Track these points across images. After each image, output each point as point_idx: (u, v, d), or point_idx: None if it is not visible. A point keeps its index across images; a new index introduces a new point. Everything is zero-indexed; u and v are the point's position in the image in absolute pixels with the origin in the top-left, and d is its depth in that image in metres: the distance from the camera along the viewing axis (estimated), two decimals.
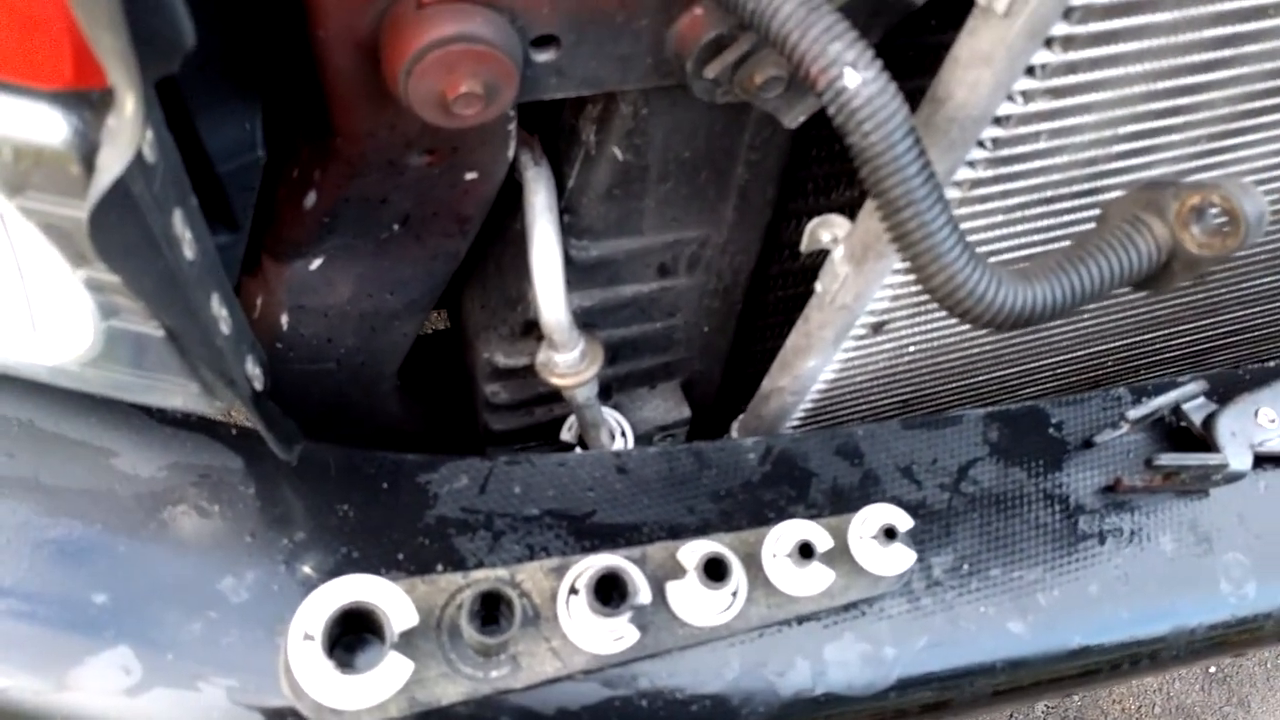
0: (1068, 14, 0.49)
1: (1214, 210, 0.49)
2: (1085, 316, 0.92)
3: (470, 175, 0.67)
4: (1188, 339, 1.05)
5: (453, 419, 0.98)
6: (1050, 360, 0.99)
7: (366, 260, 0.73)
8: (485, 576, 0.64)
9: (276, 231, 0.71)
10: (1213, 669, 2.04)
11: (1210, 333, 1.06)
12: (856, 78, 0.47)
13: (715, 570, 0.65)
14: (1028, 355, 0.96)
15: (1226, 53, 0.57)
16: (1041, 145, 0.61)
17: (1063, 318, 0.52)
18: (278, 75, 0.63)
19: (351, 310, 0.77)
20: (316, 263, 0.73)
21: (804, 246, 0.72)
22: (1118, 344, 1.01)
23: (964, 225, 0.66)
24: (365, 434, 0.91)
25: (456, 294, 0.90)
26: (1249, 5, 0.53)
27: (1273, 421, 0.80)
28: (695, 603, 0.67)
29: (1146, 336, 1.01)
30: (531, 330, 0.81)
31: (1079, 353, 1.00)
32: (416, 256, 0.74)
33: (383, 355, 0.82)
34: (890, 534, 0.70)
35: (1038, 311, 0.51)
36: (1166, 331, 1.02)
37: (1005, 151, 0.60)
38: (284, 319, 0.76)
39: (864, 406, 0.94)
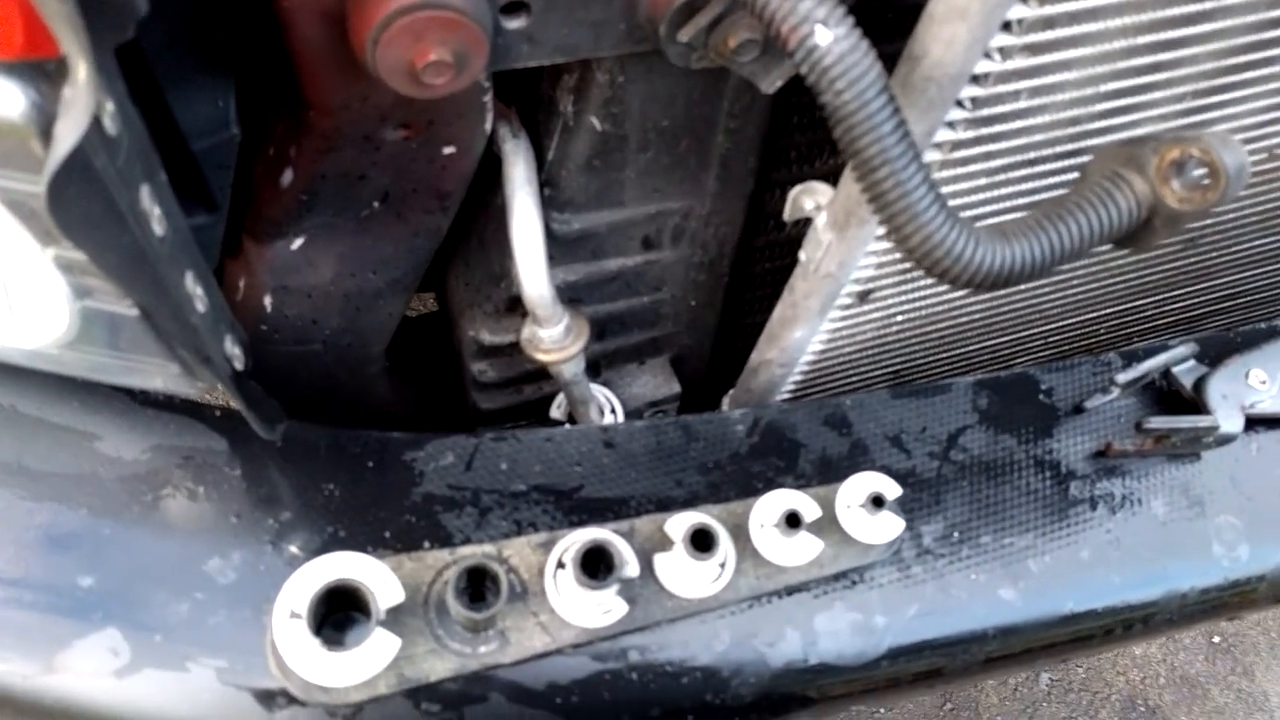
0: None
1: (1194, 164, 0.48)
2: (1076, 281, 0.91)
3: (448, 149, 0.66)
4: (1180, 304, 1.05)
5: (442, 399, 0.98)
6: (1042, 328, 0.99)
7: (348, 239, 0.73)
8: (472, 552, 0.64)
9: (256, 211, 0.71)
10: (1216, 638, 2.05)
11: (1203, 298, 1.05)
12: (828, 35, 0.46)
13: (702, 541, 0.65)
14: (1019, 323, 0.96)
15: (1208, 5, 0.56)
16: (1022, 104, 0.60)
17: (1043, 276, 0.52)
18: (249, 50, 0.62)
19: (335, 290, 0.76)
20: (298, 242, 0.72)
21: (787, 214, 0.71)
22: (1110, 311, 1.00)
23: (946, 188, 0.66)
24: (354, 415, 0.90)
25: (442, 273, 0.89)
26: None
27: (1263, 383, 0.80)
28: (683, 575, 0.67)
29: (1139, 302, 1.01)
30: (516, 306, 0.81)
31: (1071, 320, 0.99)
32: (398, 234, 0.74)
33: (369, 335, 0.82)
34: (878, 502, 0.69)
35: (1017, 270, 0.50)
36: (1159, 297, 1.01)
37: (985, 111, 0.59)
38: (267, 300, 0.75)
39: (854, 377, 0.93)
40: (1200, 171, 0.48)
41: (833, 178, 0.69)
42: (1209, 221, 0.89)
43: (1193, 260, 0.95)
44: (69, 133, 0.37)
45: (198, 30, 0.59)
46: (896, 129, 0.48)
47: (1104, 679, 1.97)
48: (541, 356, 0.77)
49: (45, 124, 0.40)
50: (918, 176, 0.48)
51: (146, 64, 0.56)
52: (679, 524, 0.67)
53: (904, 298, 0.79)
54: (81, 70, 0.35)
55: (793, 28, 0.47)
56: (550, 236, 0.73)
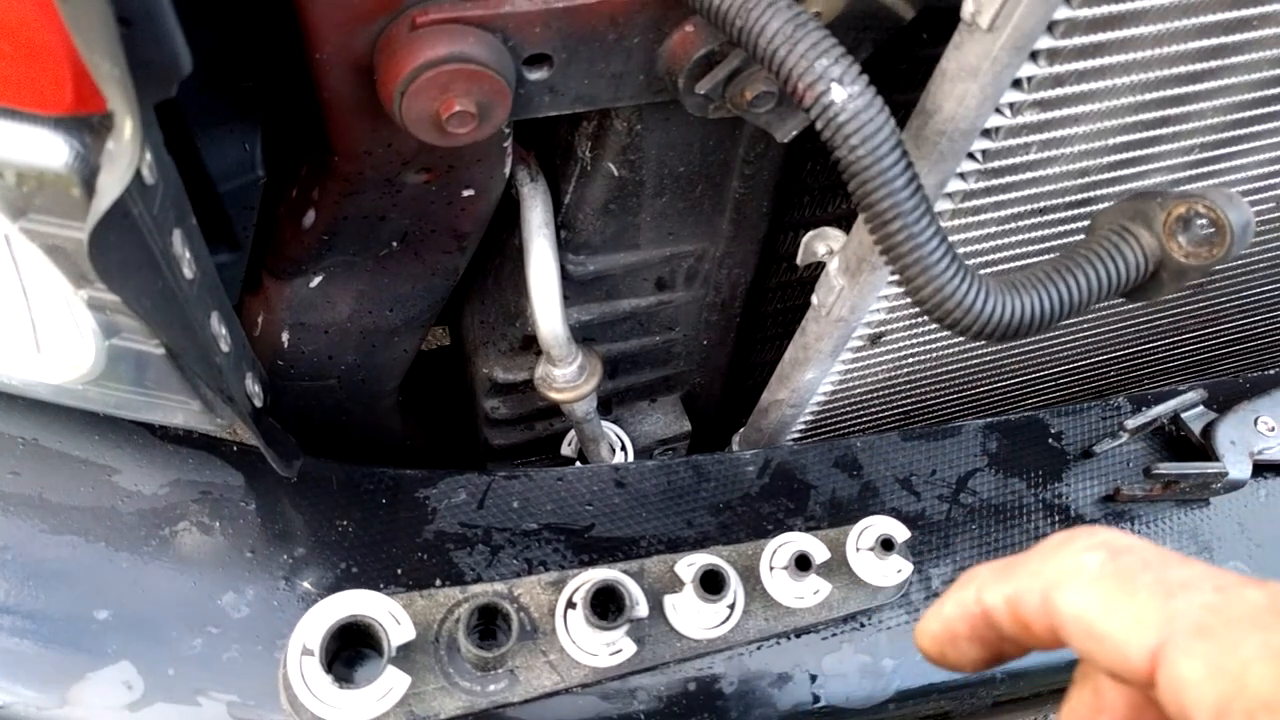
0: (1051, 28, 0.50)
1: (1200, 220, 0.49)
2: (1085, 326, 0.92)
3: (467, 192, 0.68)
4: (1189, 348, 1.05)
5: (454, 434, 0.99)
6: (1052, 370, 0.99)
7: (366, 277, 0.74)
8: (483, 591, 0.65)
9: (277, 250, 0.72)
10: None
11: (1212, 341, 1.05)
12: (843, 93, 0.47)
13: (712, 583, 0.65)
14: (1029, 366, 0.96)
15: (1213, 64, 0.57)
16: (1032, 157, 0.61)
17: (1052, 328, 0.52)
18: (276, 96, 0.64)
19: (352, 327, 0.77)
20: (317, 280, 0.74)
21: (800, 259, 0.72)
22: (1120, 353, 1.01)
23: (958, 236, 0.67)
24: (367, 449, 0.91)
25: (457, 309, 0.91)
26: (1232, 17, 0.53)
27: (1272, 430, 0.80)
28: (693, 615, 0.68)
29: (1148, 346, 1.01)
30: (530, 345, 0.82)
31: (1081, 362, 1.00)
32: (415, 273, 0.75)
33: (383, 371, 0.83)
34: (887, 545, 0.70)
35: (1027, 322, 0.51)
36: (1168, 340, 1.02)
37: (996, 163, 0.60)
38: (285, 336, 0.76)
39: (865, 418, 0.94)
40: (1206, 228, 0.49)
41: (845, 222, 0.70)
42: (1218, 268, 0.89)
43: (1202, 305, 0.96)
44: (112, 186, 0.38)
45: (229, 78, 0.61)
46: (909, 184, 0.49)
47: None
48: (554, 395, 0.78)
49: (87, 174, 0.42)
50: (930, 230, 0.49)
51: (179, 110, 0.58)
52: (689, 565, 0.68)
53: (915, 341, 0.80)
54: (128, 128, 0.36)
55: (809, 85, 0.48)
56: (566, 277, 0.75)
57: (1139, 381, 1.09)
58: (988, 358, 0.90)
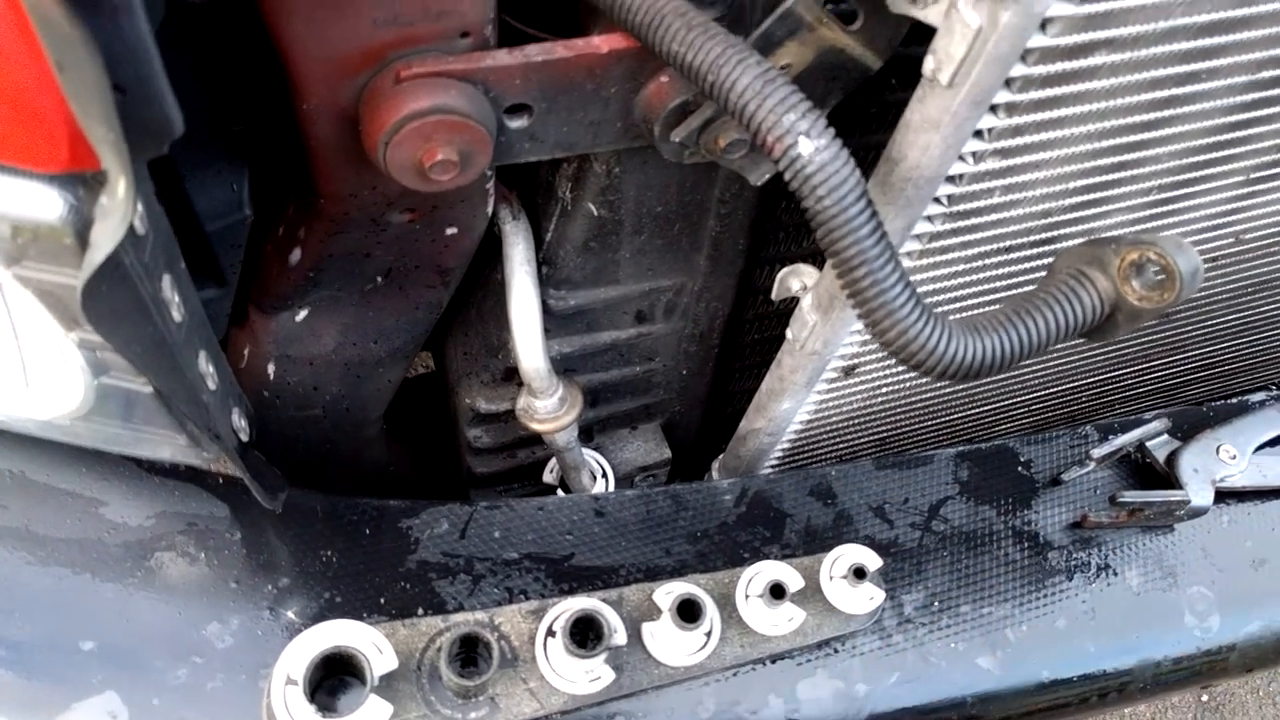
0: (1008, 83, 0.52)
1: (1152, 266, 0.52)
2: (1055, 356, 0.94)
3: (450, 230, 0.70)
4: (1158, 375, 1.08)
5: (439, 461, 1.00)
6: (1024, 398, 1.02)
7: (351, 311, 0.76)
8: (465, 620, 0.66)
9: (263, 285, 0.73)
10: (1205, 697, 2.05)
11: (1180, 368, 1.08)
12: (810, 145, 0.50)
13: (688, 611, 0.67)
14: (1001, 394, 0.99)
15: (1167, 113, 0.60)
16: (996, 200, 0.63)
17: (1013, 367, 0.55)
18: (264, 138, 0.65)
19: (336, 359, 0.79)
20: (302, 314, 0.75)
21: (775, 295, 0.74)
22: (1089, 381, 1.03)
23: (926, 274, 0.69)
24: (353, 477, 0.92)
25: (441, 337, 0.92)
26: (1182, 71, 0.56)
27: (1233, 458, 0.83)
28: (670, 643, 0.69)
29: (1117, 373, 1.04)
30: (512, 376, 0.84)
31: (1052, 390, 1.02)
32: (399, 307, 0.77)
33: (368, 401, 0.84)
34: (860, 574, 0.72)
35: (988, 363, 0.53)
36: (1137, 368, 1.04)
37: (961, 206, 0.63)
38: (270, 368, 0.78)
39: (841, 446, 0.96)
40: (1157, 274, 0.51)
41: (818, 258, 0.73)
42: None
43: (1169, 334, 0.98)
44: (106, 240, 0.39)
45: (218, 123, 0.62)
46: (873, 232, 0.51)
47: None
48: (536, 426, 0.80)
49: (80, 226, 0.43)
50: (893, 276, 0.51)
51: (169, 155, 0.60)
52: (667, 594, 0.69)
53: (887, 373, 0.82)
54: (121, 186, 0.38)
55: (777, 138, 0.50)
56: (547, 312, 0.76)
57: (1109, 408, 1.12)
58: (960, 389, 0.92)
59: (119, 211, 0.39)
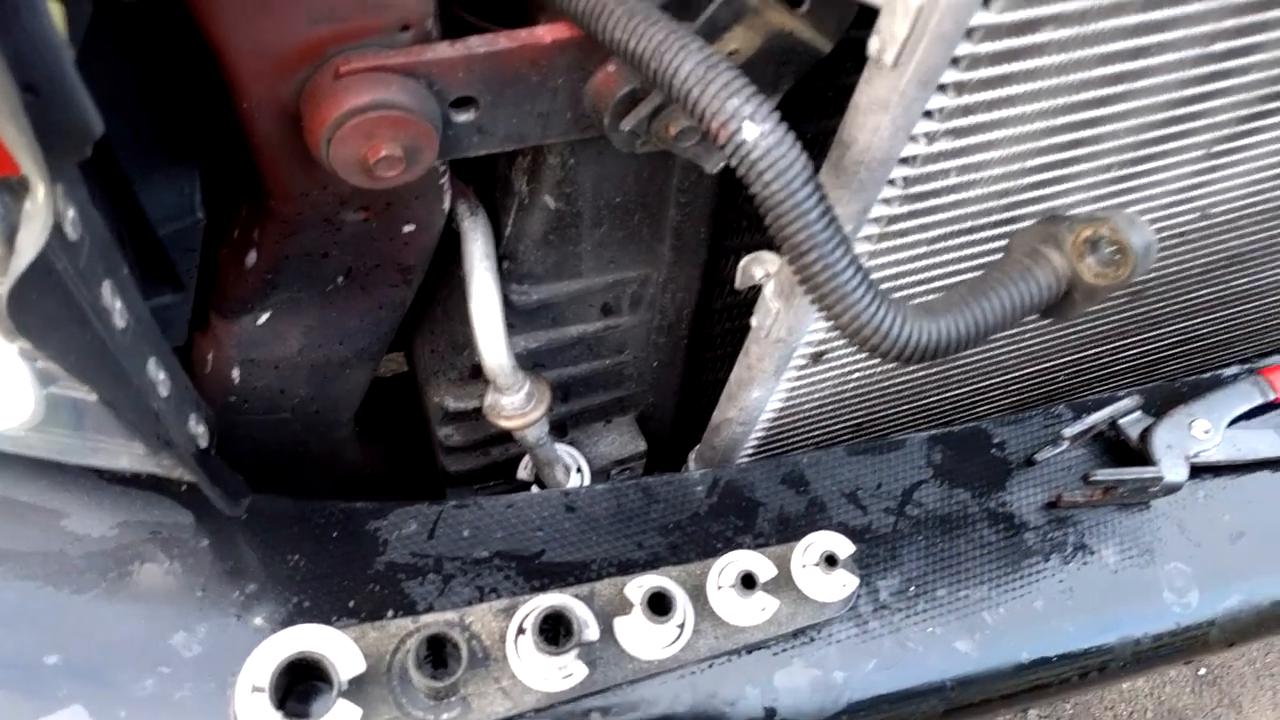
0: (955, 62, 0.51)
1: (1105, 243, 0.51)
2: (1029, 335, 0.94)
3: (408, 228, 0.69)
4: (1134, 352, 1.08)
5: (413, 460, 0.99)
6: (999, 379, 1.01)
7: (314, 312, 0.75)
8: (434, 620, 0.65)
9: (222, 289, 0.73)
10: (1202, 670, 2.06)
11: (1156, 345, 1.08)
12: (755, 130, 0.49)
13: (659, 604, 0.66)
14: (976, 376, 0.98)
15: (1119, 89, 0.60)
16: (952, 181, 0.63)
17: (970, 348, 0.54)
18: (213, 139, 0.65)
19: (302, 361, 0.78)
20: (264, 317, 0.75)
21: (738, 283, 0.74)
22: (1064, 360, 1.03)
23: (886, 259, 0.69)
24: (327, 480, 0.92)
25: (410, 337, 0.92)
26: (1131, 46, 0.55)
27: (1207, 432, 0.82)
28: (643, 637, 0.69)
29: (1092, 351, 1.04)
30: (480, 373, 0.83)
31: (1027, 370, 1.02)
32: (363, 307, 0.76)
33: (337, 403, 0.84)
34: (831, 561, 0.71)
35: (944, 344, 0.53)
36: (1112, 346, 1.04)
37: (917, 189, 0.62)
38: (235, 373, 0.77)
39: (817, 432, 0.96)
40: (1111, 249, 0.51)
41: None
42: (1152, 277, 0.92)
43: (1141, 311, 0.98)
44: (29, 246, 0.39)
45: (163, 124, 0.61)
46: (822, 216, 0.50)
47: (1092, 714, 1.97)
48: (504, 423, 0.79)
49: (9, 231, 0.42)
50: (844, 260, 0.51)
51: (114, 157, 0.59)
52: (638, 587, 0.69)
53: (856, 358, 0.82)
54: (41, 190, 0.37)
55: (722, 124, 0.49)
56: (510, 307, 0.76)
57: (1086, 387, 1.11)
58: (932, 371, 0.92)
59: (41, 216, 0.39)
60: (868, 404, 0.93)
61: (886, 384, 0.91)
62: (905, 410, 0.99)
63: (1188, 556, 0.82)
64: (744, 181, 0.50)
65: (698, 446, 0.96)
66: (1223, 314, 1.04)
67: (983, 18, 0.49)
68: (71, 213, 0.45)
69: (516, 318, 0.77)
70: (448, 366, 0.85)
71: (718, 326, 0.91)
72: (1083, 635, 0.79)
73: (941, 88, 0.53)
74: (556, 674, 0.66)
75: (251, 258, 0.69)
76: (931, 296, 0.61)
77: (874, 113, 0.54)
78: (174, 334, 0.73)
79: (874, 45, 0.51)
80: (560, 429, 0.94)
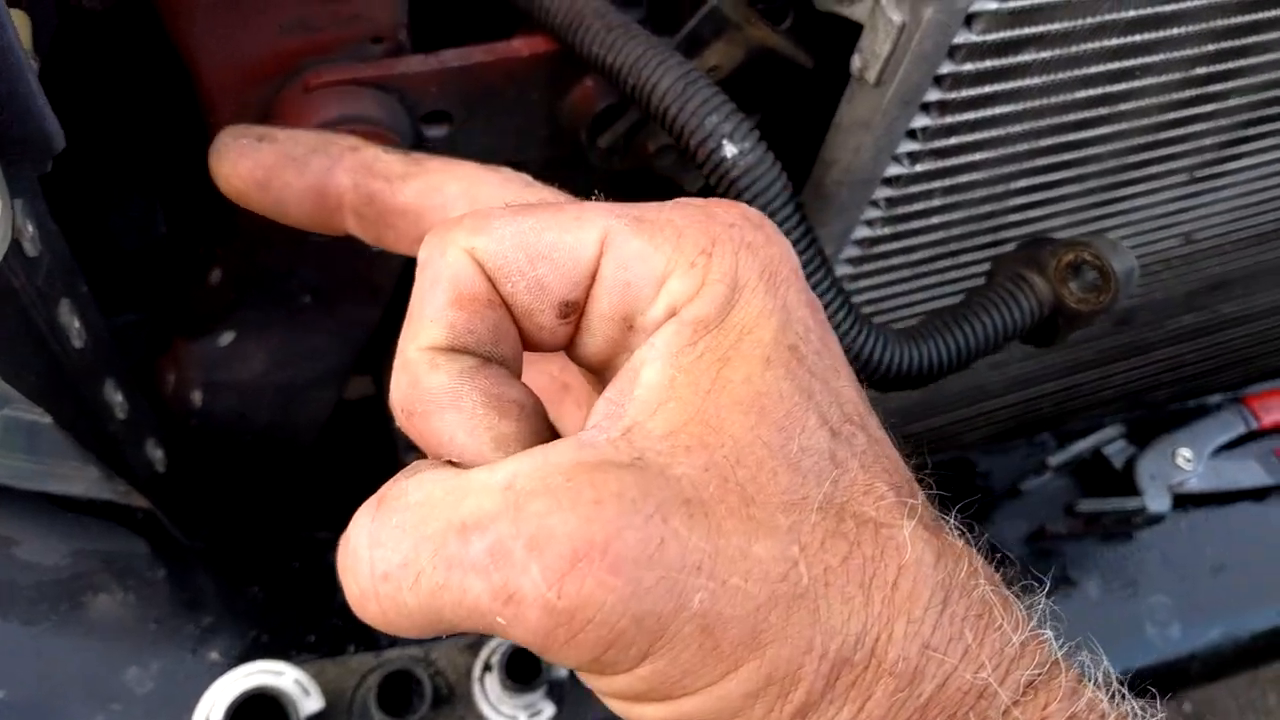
0: (938, 81, 0.50)
1: (1088, 267, 0.50)
2: (1014, 362, 0.93)
3: (377, 246, 0.67)
4: (1121, 379, 1.07)
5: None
6: (984, 405, 1.00)
7: (279, 333, 0.73)
8: (398, 656, 0.63)
9: (184, 308, 0.70)
10: (1187, 705, 2.04)
11: (1143, 371, 1.07)
12: (733, 149, 0.48)
13: None
14: (960, 403, 0.97)
15: (1102, 111, 0.59)
16: (936, 202, 0.62)
17: (953, 374, 0.53)
18: (177, 154, 0.63)
19: (266, 384, 0.76)
20: (228, 337, 0.72)
21: None
22: (1051, 386, 1.02)
23: (869, 280, 0.67)
24: (289, 506, 0.89)
25: (380, 360, 0.89)
26: (1114, 69, 0.55)
27: (1189, 462, 0.82)
28: None
29: (1079, 378, 1.03)
30: None
31: (1012, 396, 1.01)
32: (330, 327, 0.74)
33: (301, 427, 0.81)
34: None
35: (926, 370, 0.51)
36: (1098, 373, 1.03)
37: (900, 210, 0.61)
38: (197, 396, 0.74)
39: None
40: (1094, 275, 0.50)
41: None
42: (1138, 303, 0.91)
43: (1127, 339, 0.97)
44: None
45: (125, 139, 0.60)
46: (803, 237, 0.49)
47: None
48: None
49: None
50: (825, 283, 0.49)
51: (75, 172, 0.57)
52: None
53: None
54: None
55: (700, 142, 0.48)
56: None
57: (1076, 414, 1.10)
58: (916, 397, 0.91)
59: None
60: None
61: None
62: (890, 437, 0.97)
63: (1170, 589, 0.81)
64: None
65: None
66: (1209, 341, 1.04)
67: (965, 37, 0.48)
68: (30, 228, 0.43)
69: None
70: None
71: None
72: None
73: (925, 107, 0.52)
74: (524, 712, 0.63)
75: (215, 275, 0.67)
76: (914, 321, 0.60)
77: (856, 132, 0.53)
78: (135, 355, 0.71)
79: (856, 63, 0.50)
80: None
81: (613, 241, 0.32)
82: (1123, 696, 0.33)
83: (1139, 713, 0.33)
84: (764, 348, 0.31)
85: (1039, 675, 0.32)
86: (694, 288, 0.31)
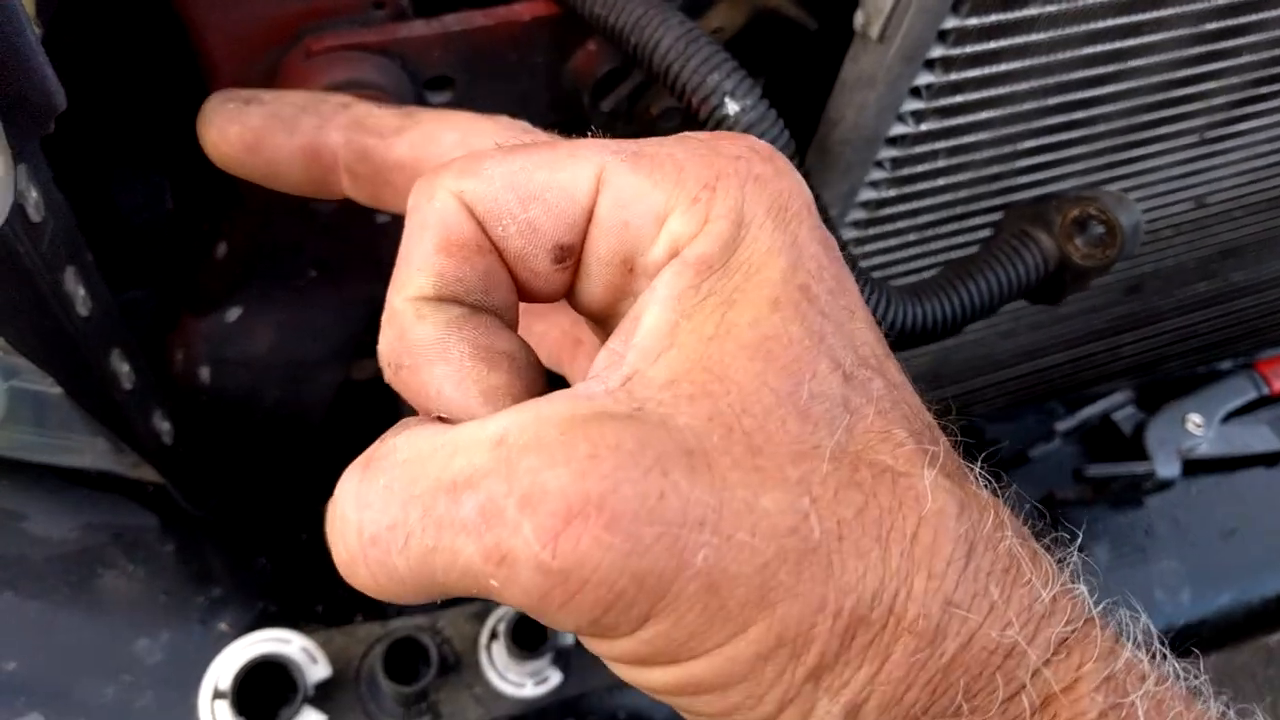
0: (942, 36, 0.50)
1: (1094, 222, 0.50)
2: (1024, 331, 0.92)
3: (382, 218, 0.67)
4: (1132, 348, 1.06)
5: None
6: (994, 376, 1.00)
7: (286, 309, 0.73)
8: (404, 625, 0.63)
9: (191, 284, 0.70)
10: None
11: (1154, 340, 1.06)
12: (735, 106, 0.47)
13: None
14: (970, 373, 0.96)
15: (1112, 68, 0.58)
16: (941, 164, 0.61)
17: (957, 332, 0.52)
18: (183, 130, 0.63)
19: (274, 360, 0.76)
20: (235, 313, 0.72)
21: None
22: (1061, 356, 1.01)
23: (874, 245, 0.67)
24: (299, 482, 0.89)
25: None
26: (1124, 23, 0.54)
27: (1199, 427, 0.81)
28: None
29: (1090, 347, 1.02)
30: None
31: (1023, 365, 1.00)
32: (337, 302, 0.74)
33: (309, 404, 0.81)
34: None
35: (930, 327, 0.51)
36: (1109, 342, 1.02)
37: (905, 171, 0.60)
38: (205, 373, 0.75)
39: None
40: (1100, 229, 0.49)
41: None
42: (1148, 270, 0.91)
43: (1138, 306, 0.97)
44: None
45: (130, 109, 0.59)
46: None
47: None
48: None
49: None
50: None
51: (81, 148, 0.57)
52: None
53: None
54: (1, 166, 0.35)
55: (703, 99, 0.48)
56: None
57: (1086, 383, 1.10)
58: (924, 367, 0.90)
59: (1, 195, 0.36)
60: None
61: None
62: None
63: (1180, 555, 0.81)
64: None
65: None
66: (1220, 309, 1.03)
67: None
68: (34, 194, 0.43)
69: None
70: None
71: None
72: None
73: (929, 64, 0.52)
74: (530, 680, 0.64)
75: (222, 249, 0.67)
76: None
77: (860, 89, 0.52)
78: (142, 331, 0.71)
79: (859, 19, 0.49)
80: None
81: (609, 179, 0.30)
82: (1164, 657, 0.30)
83: (1181, 674, 0.30)
84: (772, 288, 0.29)
85: (1071, 633, 0.29)
86: (696, 225, 0.29)
